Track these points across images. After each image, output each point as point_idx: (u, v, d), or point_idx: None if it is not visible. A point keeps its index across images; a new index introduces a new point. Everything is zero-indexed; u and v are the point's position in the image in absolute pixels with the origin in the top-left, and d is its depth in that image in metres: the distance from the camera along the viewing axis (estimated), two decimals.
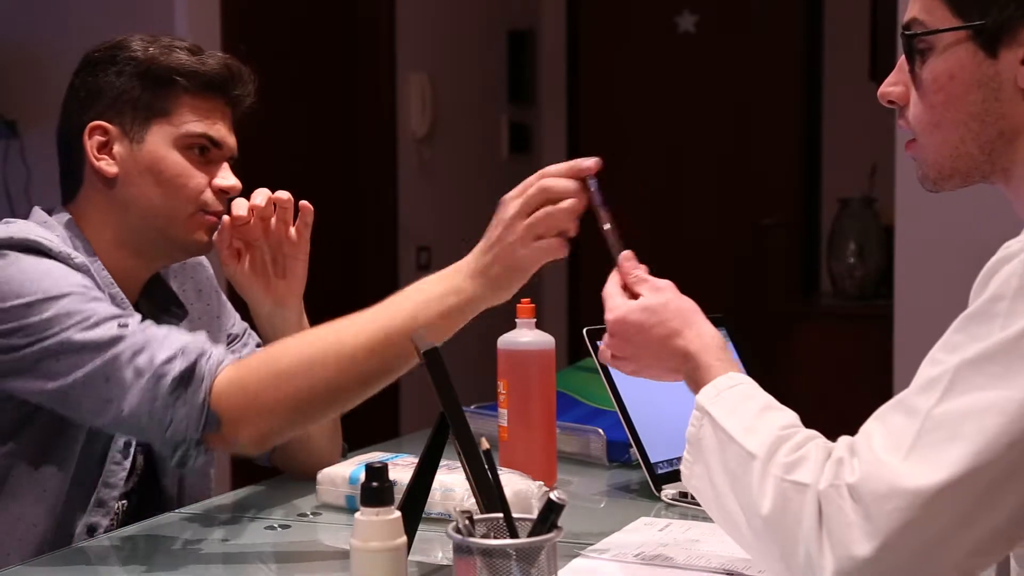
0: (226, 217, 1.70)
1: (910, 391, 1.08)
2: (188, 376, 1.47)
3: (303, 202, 1.73)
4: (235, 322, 1.89)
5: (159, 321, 1.75)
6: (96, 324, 1.50)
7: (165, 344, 1.49)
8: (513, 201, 1.49)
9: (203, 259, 1.88)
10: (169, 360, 1.47)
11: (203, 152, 1.68)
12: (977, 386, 1.03)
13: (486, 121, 5.25)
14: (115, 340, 1.49)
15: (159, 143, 1.66)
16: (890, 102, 1.27)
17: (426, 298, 1.51)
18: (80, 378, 1.49)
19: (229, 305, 1.91)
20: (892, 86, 1.27)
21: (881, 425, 1.08)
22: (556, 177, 1.48)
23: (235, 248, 1.72)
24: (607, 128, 5.59)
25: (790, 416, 1.20)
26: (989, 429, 1.01)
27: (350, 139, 4.49)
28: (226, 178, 1.70)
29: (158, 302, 1.77)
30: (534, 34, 5.51)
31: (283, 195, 1.72)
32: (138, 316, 1.56)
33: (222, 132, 1.70)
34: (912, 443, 1.04)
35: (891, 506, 1.02)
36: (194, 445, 1.49)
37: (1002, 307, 1.03)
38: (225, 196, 1.70)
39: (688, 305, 1.36)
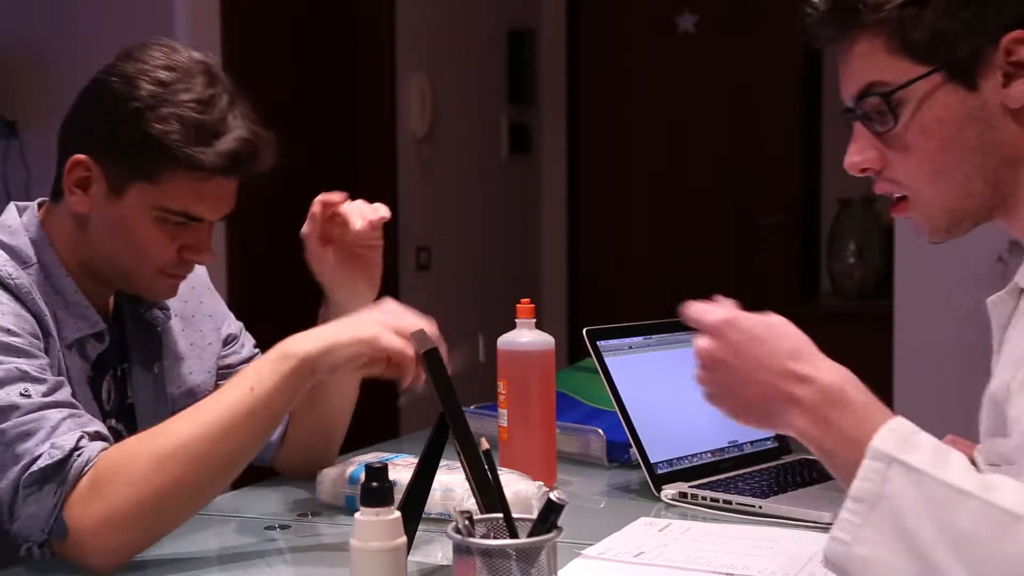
0: (316, 207, 1.70)
1: None
2: (49, 475, 1.38)
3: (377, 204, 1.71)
4: (230, 322, 1.87)
5: (142, 320, 1.72)
6: None
7: (51, 432, 1.40)
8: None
9: None
10: (41, 455, 1.38)
11: (179, 224, 1.59)
12: None
13: (486, 121, 5.25)
14: (7, 411, 1.40)
15: (136, 206, 1.56)
16: (863, 170, 1.24)
17: (256, 369, 1.47)
18: None
19: (224, 306, 1.89)
20: (863, 153, 1.24)
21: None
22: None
23: (324, 237, 1.72)
24: (607, 128, 5.59)
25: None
26: None
27: (350, 139, 4.49)
28: (198, 250, 1.62)
29: (139, 300, 1.71)
30: (534, 34, 5.51)
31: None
32: (49, 381, 1.45)
33: (208, 212, 1.60)
34: None
35: None
36: (37, 547, 1.44)
37: None
38: (193, 262, 1.64)
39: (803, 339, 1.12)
